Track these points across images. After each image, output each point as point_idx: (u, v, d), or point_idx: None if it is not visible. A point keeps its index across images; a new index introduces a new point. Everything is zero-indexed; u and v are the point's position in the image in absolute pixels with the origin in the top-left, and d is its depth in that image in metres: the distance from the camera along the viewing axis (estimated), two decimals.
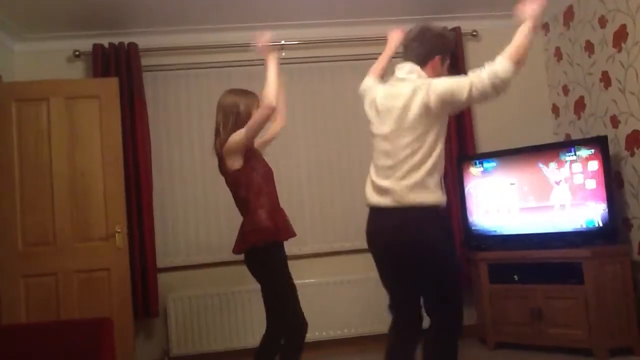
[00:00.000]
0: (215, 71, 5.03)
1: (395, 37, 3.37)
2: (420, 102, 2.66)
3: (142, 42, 4.86)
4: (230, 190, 3.37)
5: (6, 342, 3.20)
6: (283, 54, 5.06)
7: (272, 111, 3.14)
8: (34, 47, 4.87)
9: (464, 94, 2.61)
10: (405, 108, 2.70)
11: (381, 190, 2.77)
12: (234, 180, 3.31)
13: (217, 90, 4.93)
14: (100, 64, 4.76)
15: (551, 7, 5.13)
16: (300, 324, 3.31)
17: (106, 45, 4.80)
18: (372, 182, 2.86)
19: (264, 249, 3.25)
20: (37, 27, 4.69)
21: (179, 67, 4.98)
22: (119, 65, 4.77)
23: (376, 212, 2.83)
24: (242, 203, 3.34)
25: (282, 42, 5.03)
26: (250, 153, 3.29)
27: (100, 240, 4.33)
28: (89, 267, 4.30)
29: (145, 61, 4.88)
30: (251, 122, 3.17)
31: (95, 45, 4.79)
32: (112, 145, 4.43)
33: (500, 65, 2.62)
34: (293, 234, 3.41)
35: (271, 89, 3.15)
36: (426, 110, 2.66)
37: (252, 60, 5.03)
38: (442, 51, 2.90)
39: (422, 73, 2.83)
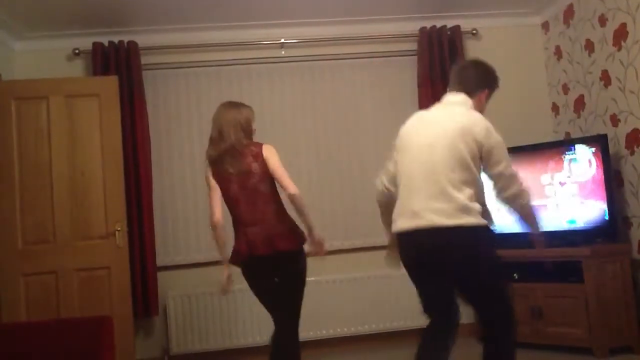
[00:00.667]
0: (215, 69, 5.03)
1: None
2: (475, 134, 2.67)
3: (142, 40, 4.86)
4: (258, 187, 3.31)
5: (6, 341, 3.20)
6: (283, 52, 5.07)
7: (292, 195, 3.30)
8: (34, 46, 4.87)
9: (507, 168, 2.75)
10: (458, 124, 2.70)
11: (416, 213, 2.70)
12: (266, 177, 3.31)
13: (217, 89, 5.00)
14: (100, 62, 4.76)
15: (551, 6, 5.14)
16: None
17: (106, 44, 4.80)
18: (402, 204, 2.79)
19: (303, 249, 3.36)
20: (37, 25, 4.68)
21: (179, 65, 4.97)
22: (119, 64, 4.76)
23: (411, 235, 2.74)
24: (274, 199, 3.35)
25: (282, 40, 5.04)
26: None
27: (100, 239, 4.33)
28: (89, 265, 4.30)
29: (145, 59, 4.87)
30: (283, 170, 3.30)
31: (95, 44, 4.78)
32: (112, 143, 4.42)
33: (527, 195, 2.85)
34: None
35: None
36: (475, 147, 2.67)
37: (252, 58, 5.06)
38: (491, 86, 2.97)
39: (471, 103, 2.85)
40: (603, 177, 4.18)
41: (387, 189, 2.99)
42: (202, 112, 4.97)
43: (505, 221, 4.61)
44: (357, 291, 4.90)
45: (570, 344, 4.17)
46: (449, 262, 2.70)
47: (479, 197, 2.73)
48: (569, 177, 4.34)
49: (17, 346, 3.18)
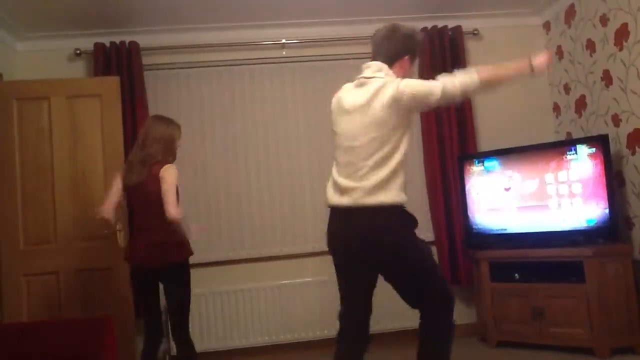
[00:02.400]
0: (216, 70, 5.03)
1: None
2: (389, 96, 2.66)
3: (143, 40, 4.87)
4: (152, 203, 3.40)
5: (8, 341, 3.21)
6: (284, 52, 5.07)
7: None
8: (36, 46, 4.88)
9: (436, 95, 2.66)
10: (372, 102, 2.70)
11: (342, 190, 2.75)
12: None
13: (218, 89, 5.01)
14: (102, 62, 4.76)
15: (552, 6, 5.14)
16: None
17: (107, 44, 4.80)
18: (334, 182, 2.83)
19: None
20: (39, 26, 4.69)
21: (180, 65, 4.98)
22: (120, 64, 4.77)
23: (337, 212, 2.80)
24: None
25: (283, 40, 5.04)
26: None
27: (101, 239, 4.33)
28: (90, 266, 4.30)
29: (146, 60, 4.87)
30: (169, 194, 3.35)
31: (96, 44, 4.79)
32: (113, 144, 4.43)
33: (472, 79, 2.67)
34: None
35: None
36: (396, 104, 2.65)
37: (253, 58, 5.06)
38: (412, 51, 2.91)
39: (390, 72, 2.83)
40: (604, 177, 4.17)
41: None
42: (203, 113, 4.98)
43: (507, 221, 4.63)
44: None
45: (572, 344, 4.17)
46: (365, 244, 2.69)
47: (399, 172, 2.71)
48: (570, 177, 4.33)
49: (18, 346, 3.19)
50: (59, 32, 4.82)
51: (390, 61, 2.86)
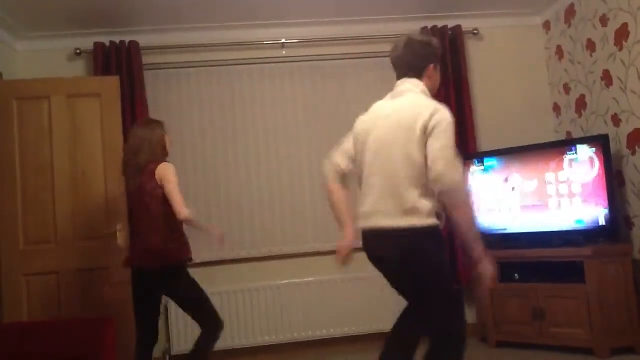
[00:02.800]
0: (216, 69, 5.03)
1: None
2: (422, 122, 2.54)
3: (143, 40, 4.86)
4: (147, 206, 3.40)
5: (8, 341, 3.21)
6: (284, 52, 5.07)
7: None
8: (36, 46, 4.87)
9: (445, 160, 2.48)
10: (406, 119, 2.60)
11: (370, 213, 2.68)
12: (161, 197, 3.38)
13: (218, 89, 5.01)
14: (102, 62, 4.76)
15: (552, 6, 5.14)
16: None
17: (107, 44, 4.80)
18: (362, 204, 2.75)
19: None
20: (39, 25, 4.68)
21: (180, 65, 4.98)
22: (120, 64, 4.77)
23: (368, 234, 2.72)
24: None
25: (283, 40, 5.04)
26: None
27: (101, 239, 4.32)
28: (90, 265, 4.30)
29: (146, 59, 4.87)
30: (176, 192, 3.34)
31: (96, 44, 4.78)
32: (113, 143, 4.42)
33: (466, 195, 2.54)
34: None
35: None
36: (422, 132, 2.54)
37: (253, 58, 5.06)
38: (435, 58, 2.82)
39: (422, 85, 2.76)
40: (604, 177, 4.17)
41: (344, 168, 2.94)
42: (203, 112, 4.98)
43: (507, 221, 4.63)
44: (353, 292, 4.91)
45: (572, 344, 4.17)
46: (394, 265, 2.64)
47: (429, 194, 2.57)
48: (570, 177, 4.33)
49: (18, 346, 3.19)
50: (59, 32, 4.82)
51: (418, 74, 2.77)
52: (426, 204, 2.55)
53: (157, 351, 4.77)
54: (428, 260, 2.59)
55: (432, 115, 2.54)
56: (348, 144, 2.98)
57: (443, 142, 2.50)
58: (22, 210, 4.27)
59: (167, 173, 3.37)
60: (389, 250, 2.63)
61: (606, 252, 4.14)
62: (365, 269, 4.83)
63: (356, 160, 2.85)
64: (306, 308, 4.87)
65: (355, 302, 4.87)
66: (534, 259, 4.37)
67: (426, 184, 2.54)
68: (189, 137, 4.99)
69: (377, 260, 2.74)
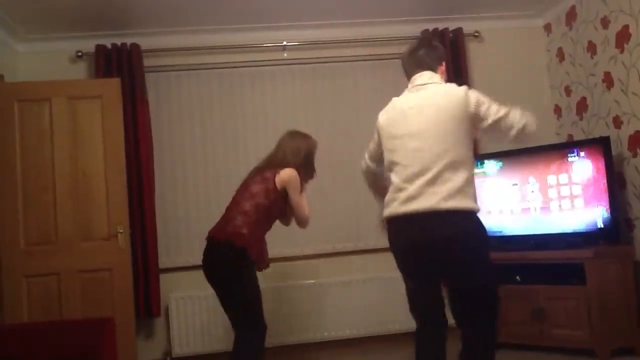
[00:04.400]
0: (217, 72, 5.04)
1: None
2: (458, 102, 2.67)
3: (145, 42, 4.87)
4: (266, 199, 3.45)
5: (8, 342, 3.20)
6: (285, 54, 5.08)
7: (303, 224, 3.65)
8: (37, 48, 4.89)
9: (497, 115, 2.71)
10: (440, 104, 2.69)
11: (412, 197, 2.65)
12: (277, 196, 3.48)
13: (219, 91, 5.02)
14: (103, 64, 4.77)
15: (553, 8, 5.14)
16: None
17: (109, 46, 4.81)
18: (399, 188, 2.72)
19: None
20: (40, 27, 4.70)
21: (181, 67, 4.99)
22: (121, 66, 4.78)
23: (405, 221, 2.70)
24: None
25: (284, 42, 5.04)
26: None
27: (102, 240, 4.33)
28: (91, 267, 4.30)
29: (147, 62, 4.88)
30: (296, 200, 3.58)
31: (97, 46, 4.79)
32: (114, 145, 4.43)
33: (533, 121, 2.83)
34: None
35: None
36: (464, 112, 2.66)
37: (254, 61, 5.07)
38: (445, 58, 3.00)
39: (439, 76, 2.87)
40: (606, 179, 4.17)
41: (369, 165, 3.13)
42: (203, 114, 4.99)
43: (508, 223, 4.62)
44: (359, 293, 4.90)
45: (573, 346, 4.16)
46: (446, 248, 2.62)
47: (473, 179, 2.70)
48: (571, 179, 4.33)
49: (19, 347, 3.18)
50: (60, 34, 4.83)
51: (434, 69, 2.89)
52: (473, 187, 2.67)
53: (158, 353, 4.79)
54: (485, 247, 2.73)
55: (466, 93, 2.70)
56: (373, 144, 3.08)
57: (494, 107, 2.73)
58: (23, 211, 4.28)
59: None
60: (440, 232, 2.60)
61: (607, 253, 4.13)
62: (372, 271, 4.88)
63: (385, 150, 2.90)
64: (313, 309, 4.85)
65: (360, 304, 4.87)
66: (535, 260, 4.36)
67: (472, 166, 2.69)
68: (189, 140, 4.99)
69: (417, 246, 2.69)
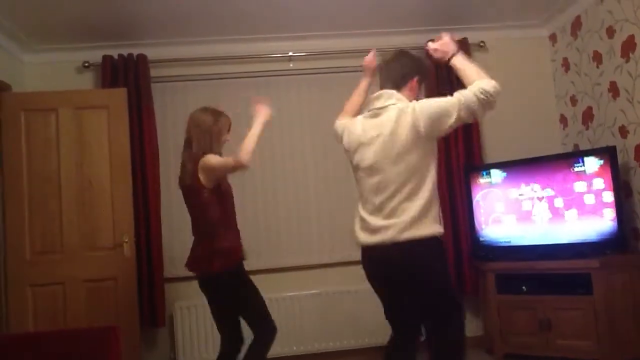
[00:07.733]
0: (223, 82, 5.05)
1: (369, 64, 3.38)
2: (409, 123, 2.68)
3: (151, 53, 4.90)
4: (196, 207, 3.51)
5: (14, 351, 3.21)
6: (291, 65, 5.09)
7: (242, 168, 3.33)
8: (44, 58, 4.92)
9: (452, 115, 2.66)
10: (393, 134, 2.72)
11: (374, 229, 2.78)
12: (204, 198, 3.45)
13: (225, 102, 5.00)
14: (109, 74, 4.80)
15: (559, 18, 5.14)
16: None
17: (115, 57, 4.84)
18: (362, 219, 2.86)
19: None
20: (47, 38, 4.73)
21: (188, 78, 5.01)
22: (128, 76, 4.80)
23: (371, 250, 2.83)
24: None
25: (290, 53, 5.06)
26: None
27: (107, 250, 4.35)
28: (96, 276, 4.32)
29: (154, 72, 4.91)
30: (221, 166, 3.39)
31: (104, 57, 4.82)
32: (120, 155, 4.45)
33: (490, 84, 2.69)
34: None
35: (251, 147, 3.34)
36: (416, 133, 2.68)
37: (260, 71, 5.09)
38: (421, 72, 2.95)
39: (400, 96, 2.85)
40: (612, 188, 4.16)
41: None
42: None
43: (514, 233, 4.61)
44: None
45: (579, 356, 4.13)
46: (404, 274, 2.77)
47: (432, 201, 2.76)
48: (578, 189, 4.31)
49: (24, 356, 3.19)
50: (67, 45, 4.86)
51: (399, 85, 2.88)
52: (432, 210, 2.73)
53: None
54: (441, 267, 2.82)
55: (413, 114, 2.68)
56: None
57: (440, 101, 2.69)
58: (29, 220, 4.31)
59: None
60: (399, 258, 2.73)
61: (614, 263, 4.11)
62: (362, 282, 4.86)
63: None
64: (308, 320, 4.85)
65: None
66: (542, 270, 4.35)
67: (431, 186, 2.74)
68: None
69: (381, 271, 2.87)
